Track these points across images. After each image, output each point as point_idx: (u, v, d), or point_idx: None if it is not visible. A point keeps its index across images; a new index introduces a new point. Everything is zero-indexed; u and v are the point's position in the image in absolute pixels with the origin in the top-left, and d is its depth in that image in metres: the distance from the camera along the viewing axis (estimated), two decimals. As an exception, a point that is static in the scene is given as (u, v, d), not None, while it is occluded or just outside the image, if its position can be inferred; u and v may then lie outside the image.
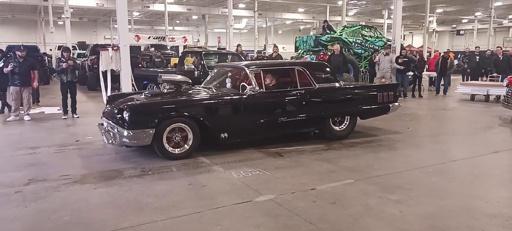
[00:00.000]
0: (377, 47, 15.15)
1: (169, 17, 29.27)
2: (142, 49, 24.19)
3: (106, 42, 30.66)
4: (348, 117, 6.68)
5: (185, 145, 5.38)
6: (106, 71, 10.29)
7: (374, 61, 13.23)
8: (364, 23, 22.33)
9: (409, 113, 9.89)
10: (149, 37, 27.49)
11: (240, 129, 5.79)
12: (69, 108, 8.95)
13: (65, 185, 4.35)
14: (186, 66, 9.79)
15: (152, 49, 23.60)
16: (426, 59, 17.15)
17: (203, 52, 10.22)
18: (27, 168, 4.97)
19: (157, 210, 3.69)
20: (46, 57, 23.57)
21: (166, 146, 5.26)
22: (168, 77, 6.40)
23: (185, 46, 24.98)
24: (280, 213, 3.62)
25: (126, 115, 5.13)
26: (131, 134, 5.06)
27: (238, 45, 14.33)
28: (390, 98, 6.94)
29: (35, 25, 39.44)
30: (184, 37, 27.59)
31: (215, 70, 7.05)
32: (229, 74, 6.38)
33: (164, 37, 26.77)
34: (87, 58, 16.58)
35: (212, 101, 5.79)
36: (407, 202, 3.90)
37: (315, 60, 14.36)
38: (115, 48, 9.92)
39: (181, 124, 5.32)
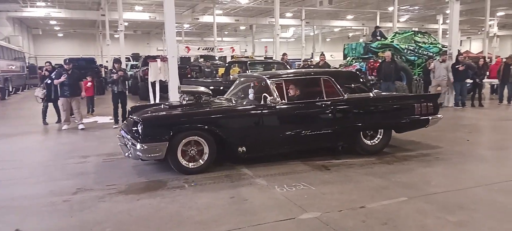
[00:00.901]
0: (431, 54, 14.33)
1: (218, 28, 29.88)
2: (192, 60, 24.84)
3: (158, 54, 31.84)
4: (382, 130, 6.13)
5: (200, 159, 5.15)
6: (155, 81, 10.55)
7: (429, 68, 12.51)
8: (417, 29, 21.27)
9: (468, 124, 9.17)
10: (198, 48, 28.18)
11: (259, 143, 5.49)
12: (120, 117, 9.24)
13: (110, 195, 4.39)
14: (231, 76, 9.78)
15: (201, 60, 24.16)
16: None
17: (249, 62, 10.17)
18: (76, 177, 5.10)
19: (197, 224, 3.58)
20: (103, 68, 24.89)
21: (181, 160, 5.05)
22: (187, 88, 6.27)
23: (232, 57, 25.30)
24: (326, 232, 3.37)
25: (139, 128, 5.00)
26: (145, 147, 4.88)
27: (284, 54, 14.19)
28: (430, 109, 6.29)
29: (93, 38, 41.90)
30: (232, 47, 27.99)
31: (238, 81, 6.83)
32: (252, 84, 6.13)
33: (213, 48, 27.32)
34: (139, 69, 17.22)
35: (229, 113, 5.58)
36: (470, 224, 3.50)
37: (365, 68, 13.86)
38: (163, 59, 10.15)
39: (196, 137, 5.11)
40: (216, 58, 26.02)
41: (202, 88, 6.24)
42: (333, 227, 3.46)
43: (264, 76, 5.96)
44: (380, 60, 13.20)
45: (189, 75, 16.04)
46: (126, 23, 24.60)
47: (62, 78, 8.83)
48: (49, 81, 9.33)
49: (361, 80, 6.53)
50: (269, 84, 5.65)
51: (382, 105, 6.27)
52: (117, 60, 9.63)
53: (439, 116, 6.46)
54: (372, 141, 6.11)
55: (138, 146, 4.90)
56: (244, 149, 5.29)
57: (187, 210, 3.93)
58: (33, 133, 8.76)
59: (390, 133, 6.24)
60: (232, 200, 4.21)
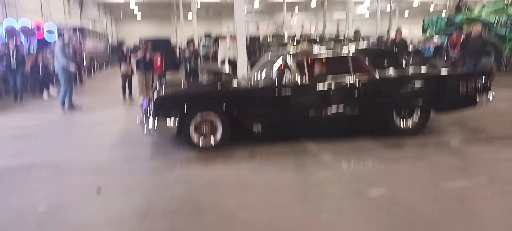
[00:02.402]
0: (526, 27, 12.77)
1: (288, 6, 29.52)
2: (261, 38, 24.97)
3: (230, 33, 32.48)
4: (418, 110, 5.58)
5: (213, 136, 5.13)
6: (224, 59, 10.80)
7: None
8: (510, 1, 19.06)
9: None
10: (268, 27, 28.14)
11: (275, 122, 5.32)
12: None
13: (181, 162, 4.63)
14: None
15: (271, 39, 24.17)
16: None
17: (317, 40, 9.91)
18: (153, 146, 5.41)
19: (263, 194, 3.65)
20: (177, 48, 26.05)
21: (194, 136, 5.07)
22: (208, 67, 6.24)
23: (301, 35, 24.90)
24: (394, 209, 3.23)
25: (153, 104, 5.08)
26: (157, 122, 4.98)
27: (356, 31, 13.62)
28: (479, 88, 5.63)
29: (169, 20, 43.90)
30: (302, 25, 27.51)
31: (264, 58, 6.56)
32: (275, 62, 5.78)
33: (282, 26, 27.13)
34: (210, 48, 17.72)
35: (243, 92, 5.48)
36: None
37: (446, 43, 12.83)
38: (231, 36, 10.32)
39: (211, 114, 5.08)
40: (285, 37, 25.86)
41: (221, 68, 6.18)
42: (402, 205, 3.30)
43: (286, 53, 5.63)
44: (464, 35, 12.12)
45: (258, 55, 16.14)
46: (198, 5, 25.33)
47: (139, 55, 9.42)
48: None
49: (394, 57, 5.93)
50: (289, 62, 5.38)
51: (419, 83, 5.58)
52: (190, 41, 10.00)
53: (490, 95, 5.72)
54: (407, 122, 5.58)
55: (151, 121, 5.00)
56: (259, 128, 5.20)
57: (253, 180, 4.02)
58: (115, 105, 9.49)
59: (428, 114, 5.64)
60: (297, 173, 4.20)
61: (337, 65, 5.71)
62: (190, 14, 33.83)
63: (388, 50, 6.38)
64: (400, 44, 11.77)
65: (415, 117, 5.57)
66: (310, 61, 5.57)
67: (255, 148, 5.10)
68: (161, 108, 5.03)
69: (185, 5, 27.93)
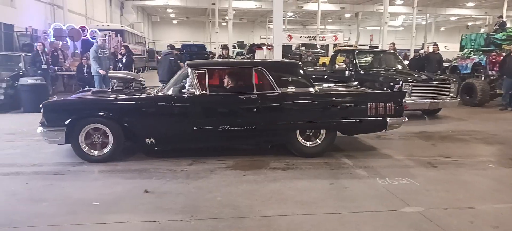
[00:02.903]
0: None
1: (322, 16, 29.55)
2: (293, 48, 25.14)
3: (261, 42, 32.85)
4: (324, 131, 5.40)
5: (104, 148, 5.00)
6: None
7: None
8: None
9: None
10: (300, 37, 28.30)
11: (169, 135, 5.19)
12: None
13: (220, 169, 4.85)
14: (337, 65, 9.69)
15: (303, 48, 24.30)
16: None
17: (356, 51, 9.92)
18: (192, 152, 5.63)
19: (298, 204, 3.80)
20: (210, 54, 26.60)
21: (83, 146, 4.96)
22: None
23: (334, 45, 24.88)
24: (429, 228, 3.31)
25: (41, 112, 5.02)
26: (45, 131, 4.94)
27: (392, 44, 13.57)
28: (389, 111, 5.36)
29: (203, 26, 44.82)
30: (335, 35, 27.50)
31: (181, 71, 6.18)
32: (184, 73, 5.52)
33: (315, 36, 27.18)
34: (244, 56, 18.05)
35: (135, 102, 5.23)
36: None
37: (485, 62, 12.53)
38: (269, 47, 10.54)
39: (99, 125, 4.95)
40: (318, 46, 25.90)
41: (131, 74, 6.10)
42: (436, 223, 3.37)
43: (187, 65, 5.42)
44: (504, 53, 11.82)
45: (300, 64, 16.30)
46: (233, 12, 25.80)
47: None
48: None
49: (302, 73, 5.63)
50: (189, 73, 5.17)
51: (323, 102, 5.40)
52: (224, 47, 10.31)
53: (400, 118, 5.50)
54: (311, 142, 5.40)
55: (39, 130, 4.98)
56: (153, 141, 5.06)
57: (288, 190, 4.17)
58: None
59: (334, 135, 5.47)
60: (331, 186, 4.32)
61: (239, 78, 5.65)
62: (223, 21, 34.52)
63: (296, 65, 6.05)
64: (434, 57, 11.65)
65: (321, 137, 5.40)
66: (211, 74, 5.46)
67: (290, 159, 5.25)
68: (50, 116, 4.98)
69: (221, 12, 28.49)
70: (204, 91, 5.13)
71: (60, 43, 14.55)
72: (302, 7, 31.61)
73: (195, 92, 5.09)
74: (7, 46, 14.13)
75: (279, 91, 5.21)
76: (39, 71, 10.09)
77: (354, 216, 3.55)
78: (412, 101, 8.12)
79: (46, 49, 11.45)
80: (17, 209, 3.62)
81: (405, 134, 7.07)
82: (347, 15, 38.67)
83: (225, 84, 5.75)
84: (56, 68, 12.05)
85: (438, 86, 8.47)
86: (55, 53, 12.58)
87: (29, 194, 4.00)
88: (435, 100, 8.32)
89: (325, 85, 6.99)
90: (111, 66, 9.92)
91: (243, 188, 4.24)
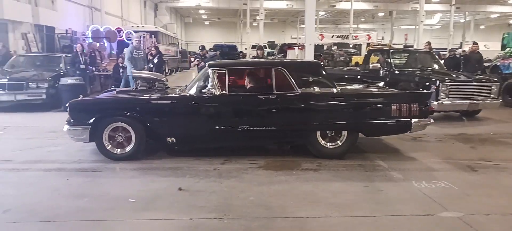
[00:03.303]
0: None
1: (354, 15, 29.07)
2: (325, 47, 24.87)
3: (292, 42, 32.72)
4: (346, 132, 5.27)
5: (128, 146, 5.12)
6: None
7: None
8: None
9: None
10: (332, 36, 27.95)
11: (189, 135, 5.25)
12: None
13: (252, 169, 4.87)
14: (371, 65, 9.48)
15: (335, 47, 23.99)
16: None
17: (391, 50, 9.67)
18: (224, 151, 5.68)
19: (331, 206, 3.75)
20: (241, 54, 26.79)
21: (107, 145, 5.10)
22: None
23: (368, 44, 24.42)
24: (469, 234, 3.18)
25: (68, 111, 5.21)
26: (71, 129, 5.10)
27: (428, 43, 13.15)
28: (414, 112, 5.18)
29: (234, 26, 45.14)
30: (368, 35, 26.98)
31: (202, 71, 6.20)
32: (206, 74, 5.50)
33: (348, 35, 26.77)
34: (275, 56, 18.03)
35: (157, 101, 5.36)
36: None
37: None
38: (300, 47, 10.49)
39: (123, 124, 5.07)
40: (350, 46, 25.50)
41: (155, 75, 6.18)
42: (477, 229, 3.23)
43: (208, 65, 5.48)
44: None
45: (321, 64, 16.13)
46: (264, 12, 25.86)
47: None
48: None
49: (324, 73, 5.53)
50: (210, 73, 5.22)
51: (344, 103, 5.32)
52: (260, 48, 10.35)
53: (426, 120, 5.29)
54: (332, 143, 5.30)
55: (65, 128, 5.15)
56: (174, 140, 5.14)
57: (321, 191, 4.13)
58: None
59: (355, 136, 5.35)
60: (365, 189, 4.24)
61: (259, 78, 5.68)
62: (254, 21, 34.63)
63: (317, 65, 5.97)
64: (473, 56, 11.19)
65: (342, 139, 5.29)
66: (231, 74, 5.46)
67: (322, 160, 5.20)
68: (76, 115, 5.16)
69: (252, 12, 28.60)
70: (223, 92, 5.17)
71: (98, 44, 15.07)
72: (334, 6, 31.23)
73: (215, 93, 5.15)
74: (48, 47, 14.83)
75: (299, 92, 5.18)
76: (78, 72, 10.50)
77: (390, 219, 3.47)
78: (450, 102, 7.85)
79: (84, 50, 11.89)
80: (60, 204, 3.78)
81: (442, 136, 6.84)
82: (380, 14, 37.85)
83: (245, 84, 5.77)
84: (94, 68, 12.49)
85: (478, 87, 8.13)
86: (93, 54, 13.05)
87: (70, 190, 4.17)
88: (474, 101, 7.99)
89: (355, 85, 6.91)
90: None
91: (275, 188, 4.24)
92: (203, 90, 5.24)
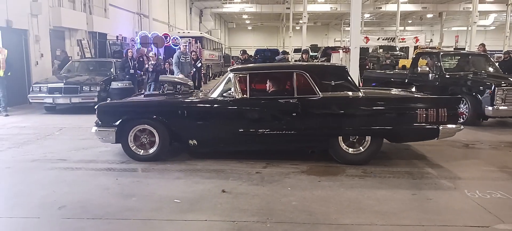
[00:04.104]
0: None
1: (401, 17, 28.18)
2: (370, 51, 24.23)
3: (335, 45, 32.25)
4: (369, 137, 5.06)
5: (151, 148, 5.30)
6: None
7: None
8: None
9: None
10: (378, 39, 27.19)
11: (210, 138, 5.30)
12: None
13: (294, 173, 4.84)
14: (419, 68, 9.12)
15: (380, 50, 23.33)
16: None
17: (441, 53, 9.25)
18: (266, 154, 5.69)
19: (377, 214, 3.64)
20: (287, 55, 26.73)
21: (131, 146, 5.30)
22: (166, 78, 6.33)
23: (415, 47, 23.54)
24: (529, 250, 2.96)
25: (96, 113, 5.43)
26: (98, 130, 5.32)
27: (481, 45, 12.45)
28: (442, 117, 4.93)
29: (277, 31, 45.24)
30: (416, 37, 26.01)
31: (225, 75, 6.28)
32: (229, 78, 5.55)
33: (394, 38, 25.96)
34: (318, 59, 17.85)
35: (180, 105, 5.39)
36: None
37: None
38: (345, 50, 10.31)
39: (148, 126, 5.24)
40: (397, 49, 24.68)
41: (181, 78, 6.28)
42: (539, 246, 3.01)
43: (230, 69, 5.54)
44: None
45: (367, 67, 15.73)
46: (307, 15, 25.68)
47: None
48: None
49: (347, 76, 5.39)
50: (231, 77, 5.28)
51: (368, 108, 5.14)
52: (305, 51, 10.30)
53: (455, 126, 5.04)
54: (356, 149, 5.14)
55: (93, 130, 5.40)
56: (195, 142, 5.22)
57: (365, 199, 4.02)
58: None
59: (379, 142, 5.15)
60: (413, 197, 4.08)
61: (280, 82, 5.63)
62: (296, 25, 34.50)
63: (341, 69, 5.81)
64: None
65: (365, 144, 5.12)
66: (252, 78, 5.45)
67: (368, 167, 5.06)
68: (103, 117, 5.42)
69: (295, 16, 28.53)
70: (244, 95, 5.22)
71: (145, 49, 15.68)
72: (380, 8, 30.43)
73: (236, 96, 5.22)
74: (101, 53, 15.64)
75: (321, 96, 5.11)
76: (127, 76, 10.97)
77: (440, 230, 3.31)
78: (505, 107, 7.37)
79: (133, 56, 12.41)
80: (110, 202, 3.96)
81: (497, 143, 6.45)
82: (429, 16, 36.38)
83: (267, 88, 5.77)
84: (142, 72, 13.00)
85: (539, 91, 7.57)
86: (141, 59, 13.59)
87: (119, 189, 4.36)
88: (534, 107, 7.45)
89: (395, 89, 6.73)
90: (191, 71, 10.45)
91: (318, 194, 4.18)
92: (224, 94, 5.34)
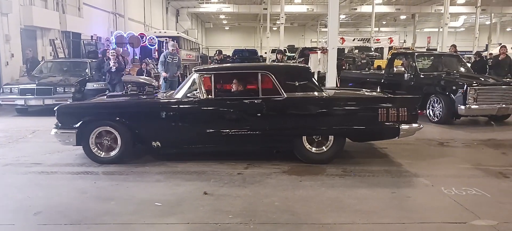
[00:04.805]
0: None
1: (376, 18, 28.74)
2: (346, 51, 24.63)
3: (312, 46, 32.58)
4: (332, 137, 5.17)
5: (113, 151, 5.16)
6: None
7: None
8: None
9: None
10: (353, 39, 27.68)
11: (174, 139, 5.22)
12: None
13: (276, 174, 4.84)
14: (395, 69, 9.32)
15: (356, 51, 23.75)
16: None
17: (416, 54, 9.48)
18: (247, 155, 5.66)
19: (358, 213, 3.68)
20: (262, 58, 26.84)
21: (93, 148, 5.16)
22: (129, 78, 6.27)
23: (390, 48, 24.08)
24: (504, 244, 3.07)
25: (55, 115, 5.29)
26: (58, 133, 5.20)
27: (453, 46, 12.86)
28: (402, 117, 5.07)
29: (254, 31, 45.32)
30: (390, 38, 26.59)
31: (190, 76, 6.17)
32: (193, 78, 5.51)
33: (369, 39, 26.47)
34: (295, 60, 17.98)
35: (142, 105, 5.39)
36: None
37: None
38: (322, 50, 10.41)
39: (109, 128, 5.11)
40: (372, 49, 25.18)
41: (145, 78, 6.25)
42: (513, 240, 3.12)
43: (195, 70, 5.50)
44: None
45: (343, 67, 15.96)
46: (285, 16, 25.83)
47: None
48: None
49: (311, 77, 5.55)
50: (196, 77, 5.24)
51: (330, 108, 5.23)
52: (280, 51, 10.33)
53: (415, 125, 5.18)
54: (318, 148, 5.21)
55: (53, 132, 5.25)
56: (159, 144, 5.15)
57: (346, 198, 4.06)
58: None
59: (342, 141, 5.25)
60: (392, 195, 4.15)
61: (245, 83, 5.63)
62: (274, 25, 34.66)
63: (304, 69, 5.95)
64: (504, 62, 10.87)
65: (328, 144, 5.20)
66: (217, 78, 5.40)
67: (347, 166, 5.13)
68: (63, 119, 5.26)
69: (272, 16, 28.64)
70: (209, 96, 5.18)
71: (121, 49, 15.36)
72: (356, 9, 30.96)
73: (201, 97, 5.17)
74: (75, 53, 15.22)
75: (285, 96, 5.14)
76: (103, 77, 10.71)
77: (419, 227, 3.38)
78: (477, 106, 7.63)
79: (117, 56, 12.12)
80: (88, 206, 3.85)
81: (470, 141, 6.66)
82: (402, 17, 37.29)
83: (232, 88, 5.75)
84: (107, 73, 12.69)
85: (508, 91, 7.88)
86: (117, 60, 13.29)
87: (97, 192, 4.24)
88: (504, 105, 7.75)
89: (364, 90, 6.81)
90: (178, 73, 10.28)
91: (300, 194, 4.20)
92: (189, 95, 5.29)
